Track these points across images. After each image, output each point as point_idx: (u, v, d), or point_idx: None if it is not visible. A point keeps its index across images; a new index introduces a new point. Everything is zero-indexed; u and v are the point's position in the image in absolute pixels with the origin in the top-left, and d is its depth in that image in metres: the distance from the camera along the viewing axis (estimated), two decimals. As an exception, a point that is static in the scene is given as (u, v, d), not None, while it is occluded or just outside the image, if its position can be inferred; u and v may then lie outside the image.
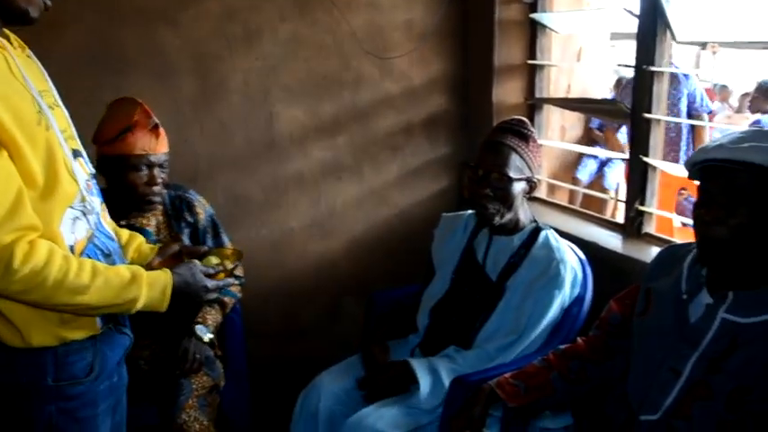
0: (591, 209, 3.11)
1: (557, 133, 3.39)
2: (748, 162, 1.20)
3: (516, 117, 2.03)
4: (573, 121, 3.79)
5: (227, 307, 2.15)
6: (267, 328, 2.83)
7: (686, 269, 1.42)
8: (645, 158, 2.31)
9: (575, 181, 4.52)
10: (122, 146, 1.88)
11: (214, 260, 1.55)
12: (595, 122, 4.58)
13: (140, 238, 1.61)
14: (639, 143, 2.32)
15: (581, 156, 4.58)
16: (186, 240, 2.09)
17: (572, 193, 4.34)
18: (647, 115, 2.28)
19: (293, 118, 2.71)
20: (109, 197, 1.48)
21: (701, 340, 1.32)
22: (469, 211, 2.16)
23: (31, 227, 1.18)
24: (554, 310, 1.90)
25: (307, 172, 2.78)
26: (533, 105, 2.92)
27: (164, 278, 1.35)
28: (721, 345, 1.29)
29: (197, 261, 1.47)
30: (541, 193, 3.03)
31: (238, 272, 2.20)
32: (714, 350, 1.30)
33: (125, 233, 1.60)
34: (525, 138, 1.95)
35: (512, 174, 1.91)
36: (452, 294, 2.08)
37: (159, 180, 1.98)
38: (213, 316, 2.08)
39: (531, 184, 1.98)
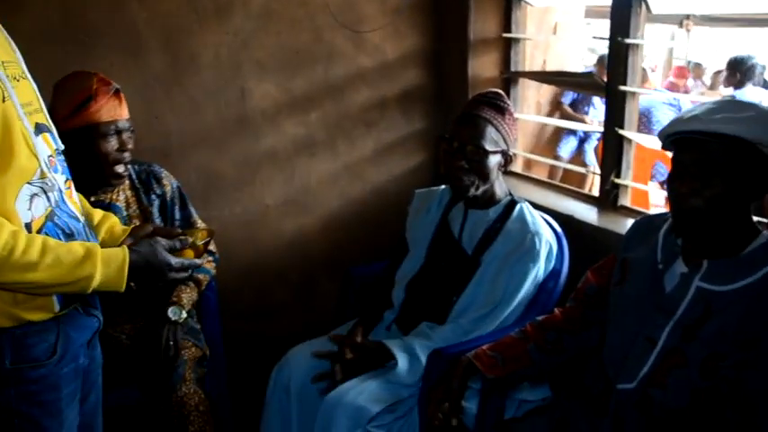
0: (571, 185, 3.15)
1: (533, 109, 3.40)
2: (721, 133, 1.21)
3: (493, 90, 2.02)
4: (549, 97, 3.81)
5: (201, 284, 2.14)
6: (242, 306, 2.82)
7: (661, 239, 1.43)
8: (620, 131, 2.33)
9: (556, 158, 4.58)
10: (87, 116, 1.85)
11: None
12: (567, 98, 4.62)
13: (113, 219, 1.58)
14: (615, 116, 2.33)
15: (561, 133, 4.63)
16: (156, 213, 2.08)
17: (552, 170, 4.39)
18: (622, 87, 2.28)
19: (265, 93, 2.67)
20: (75, 173, 1.44)
21: (677, 309, 1.33)
22: (443, 186, 2.15)
23: None
24: (529, 283, 1.91)
25: (280, 148, 2.76)
26: (509, 79, 2.91)
27: (120, 255, 1.29)
28: (696, 312, 1.30)
29: (160, 238, 1.40)
30: (518, 167, 3.03)
31: (211, 248, 2.20)
32: (689, 318, 1.31)
33: (98, 213, 1.57)
34: (501, 110, 1.95)
35: (487, 146, 1.91)
36: (428, 269, 2.08)
37: (130, 145, 1.95)
38: (188, 294, 2.06)
39: (507, 158, 1.99)
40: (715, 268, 1.31)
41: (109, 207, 2.00)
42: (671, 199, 1.32)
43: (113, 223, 1.57)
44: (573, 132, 4.73)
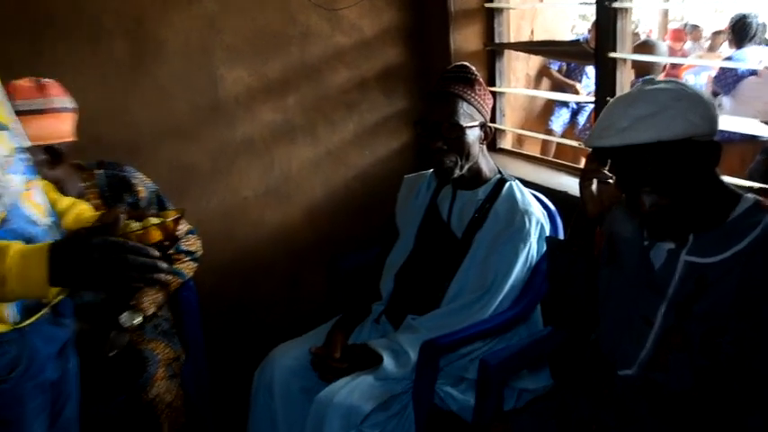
0: (564, 159, 3.13)
1: (522, 82, 3.38)
2: (641, 144, 1.23)
3: (457, 63, 2.02)
4: (539, 69, 3.77)
5: (170, 286, 2.11)
6: (224, 304, 2.82)
7: None
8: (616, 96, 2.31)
9: (549, 132, 4.54)
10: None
11: (135, 225, 1.36)
12: (555, 64, 4.58)
13: (82, 206, 1.52)
14: (605, 84, 2.30)
15: (553, 106, 4.59)
16: None
17: (545, 145, 4.36)
18: (612, 54, 2.26)
19: (239, 79, 2.65)
20: None
21: (667, 286, 1.33)
22: (431, 170, 2.15)
23: None
24: (520, 265, 1.90)
25: (257, 136, 2.74)
26: (494, 52, 2.90)
27: (38, 254, 1.12)
28: (687, 288, 1.30)
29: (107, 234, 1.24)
30: (507, 144, 3.03)
31: (192, 246, 2.18)
32: (681, 295, 1.31)
33: (66, 201, 1.50)
34: (470, 82, 1.94)
35: (462, 122, 1.90)
36: (417, 255, 2.08)
37: None
38: (152, 297, 2.04)
39: (486, 130, 1.98)
40: (701, 240, 1.31)
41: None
42: (631, 207, 1.33)
43: (81, 210, 1.49)
44: (565, 104, 4.68)
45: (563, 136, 4.65)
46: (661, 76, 3.91)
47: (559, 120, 4.74)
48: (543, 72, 4.09)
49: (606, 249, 1.50)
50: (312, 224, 2.92)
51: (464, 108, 1.91)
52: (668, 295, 1.33)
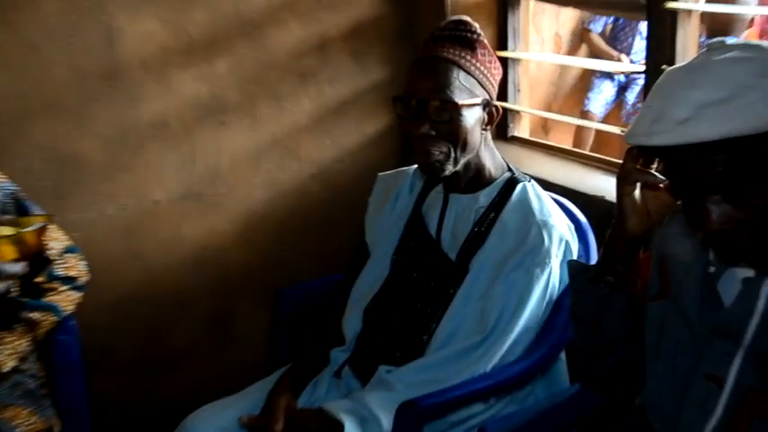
0: (606, 153, 3.11)
1: (549, 45, 3.37)
2: (708, 142, 1.20)
3: (453, 18, 2.03)
4: (573, 27, 3.76)
5: (38, 327, 2.07)
6: (123, 352, 2.79)
7: None
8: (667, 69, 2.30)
9: (585, 116, 4.56)
10: None
11: None
12: (597, 25, 4.60)
13: None
14: (661, 48, 2.30)
15: (592, 77, 4.57)
16: None
17: (579, 134, 4.33)
18: (671, 5, 2.25)
19: (146, 35, 2.63)
20: None
21: (744, 330, 1.32)
22: (415, 166, 2.18)
23: None
24: (537, 298, 1.91)
25: (172, 116, 2.72)
26: (506, 3, 2.90)
27: None
28: None
29: None
30: (523, 130, 3.03)
31: (71, 270, 2.14)
32: (765, 342, 1.30)
33: None
34: (469, 44, 1.95)
35: (457, 98, 1.91)
36: (394, 284, 2.10)
37: None
38: (9, 344, 2.00)
39: (491, 111, 1.99)
40: None
41: None
42: (687, 218, 1.34)
43: None
44: (609, 76, 4.73)
45: (605, 120, 4.66)
46: (744, 37, 3.89)
47: (599, 98, 4.74)
48: (581, 35, 4.08)
49: (655, 279, 1.51)
50: (250, 242, 2.92)
51: (460, 79, 1.92)
52: (745, 342, 1.33)
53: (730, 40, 1.29)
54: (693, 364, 1.38)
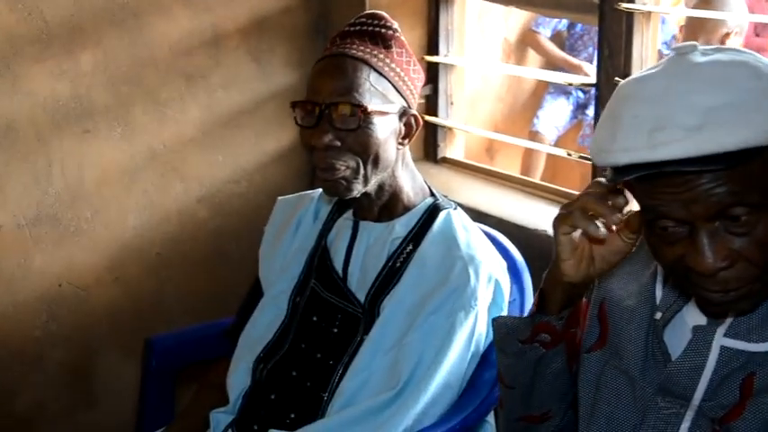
0: (560, 183, 3.11)
1: (497, 52, 3.37)
2: (722, 153, 1.18)
3: (367, 12, 2.04)
4: (523, 30, 3.77)
5: None
6: None
7: (662, 270, 1.44)
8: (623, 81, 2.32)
9: (534, 137, 4.63)
10: None
11: None
12: (547, 27, 4.63)
13: None
14: (613, 55, 2.36)
15: (543, 93, 4.59)
16: None
17: (526, 158, 4.34)
18: (626, 5, 2.30)
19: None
20: None
21: (694, 387, 1.34)
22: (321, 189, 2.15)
23: None
24: (460, 349, 1.88)
25: (21, 120, 2.66)
26: (437, 1, 2.95)
27: None
28: (726, 392, 1.32)
29: None
30: (456, 151, 3.07)
31: None
32: (717, 403, 1.32)
33: None
34: (383, 40, 1.95)
35: (367, 102, 1.87)
36: (291, 330, 2.07)
37: None
38: None
39: (408, 121, 1.96)
40: (748, 315, 1.33)
41: None
42: (675, 274, 1.33)
43: None
44: (564, 92, 4.75)
45: (559, 144, 4.69)
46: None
47: (550, 116, 4.75)
48: (525, 38, 4.08)
49: (594, 326, 1.51)
50: (119, 278, 2.88)
51: (371, 81, 1.91)
52: (695, 403, 1.33)
53: (703, 46, 1.29)
54: (635, 427, 1.38)
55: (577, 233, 1.41)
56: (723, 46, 1.48)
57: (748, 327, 1.32)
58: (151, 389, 2.34)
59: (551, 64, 4.53)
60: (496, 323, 1.58)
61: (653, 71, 1.31)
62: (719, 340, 1.33)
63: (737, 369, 1.31)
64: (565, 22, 4.79)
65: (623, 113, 1.26)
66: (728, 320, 1.33)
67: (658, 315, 1.39)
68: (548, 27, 4.58)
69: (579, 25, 4.69)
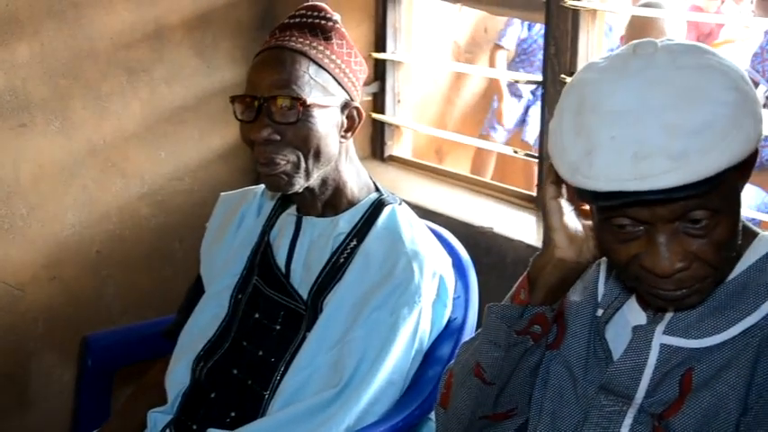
0: (509, 180, 3.12)
1: (447, 55, 3.37)
2: (703, 180, 1.20)
3: (306, 4, 2.05)
4: (474, 34, 3.77)
5: None
6: None
7: (605, 266, 1.48)
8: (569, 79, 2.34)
9: (484, 139, 4.64)
10: None
11: None
12: (509, 39, 4.71)
13: None
14: (559, 54, 2.39)
15: (493, 96, 4.62)
16: None
17: (476, 159, 4.35)
18: (572, 3, 2.33)
19: None
20: None
21: (636, 386, 1.36)
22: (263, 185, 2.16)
23: None
24: (404, 345, 1.88)
25: None
26: None
27: None
28: (665, 389, 1.34)
29: None
30: (404, 149, 3.11)
31: None
32: (657, 400, 1.34)
33: None
34: (323, 31, 1.97)
35: (306, 95, 1.88)
36: (232, 328, 2.07)
37: None
38: None
39: (351, 114, 1.98)
40: (686, 313, 1.36)
41: None
42: (626, 273, 1.33)
43: None
44: (515, 94, 4.83)
45: (511, 141, 4.77)
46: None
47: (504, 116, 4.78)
48: (491, 53, 4.12)
49: (553, 323, 1.51)
50: (56, 277, 2.85)
51: (311, 73, 1.91)
52: (636, 401, 1.35)
53: (662, 42, 1.28)
54: (578, 424, 1.40)
55: (565, 204, 1.41)
56: (684, 42, 1.45)
57: (687, 324, 1.34)
58: (87, 388, 2.31)
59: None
60: (490, 311, 1.54)
61: (614, 75, 1.29)
62: (659, 338, 1.35)
63: (677, 366, 1.33)
64: (526, 32, 4.83)
65: (597, 130, 1.23)
66: (667, 318, 1.36)
67: (600, 312, 1.41)
68: (510, 38, 4.66)
69: (530, 35, 4.73)
